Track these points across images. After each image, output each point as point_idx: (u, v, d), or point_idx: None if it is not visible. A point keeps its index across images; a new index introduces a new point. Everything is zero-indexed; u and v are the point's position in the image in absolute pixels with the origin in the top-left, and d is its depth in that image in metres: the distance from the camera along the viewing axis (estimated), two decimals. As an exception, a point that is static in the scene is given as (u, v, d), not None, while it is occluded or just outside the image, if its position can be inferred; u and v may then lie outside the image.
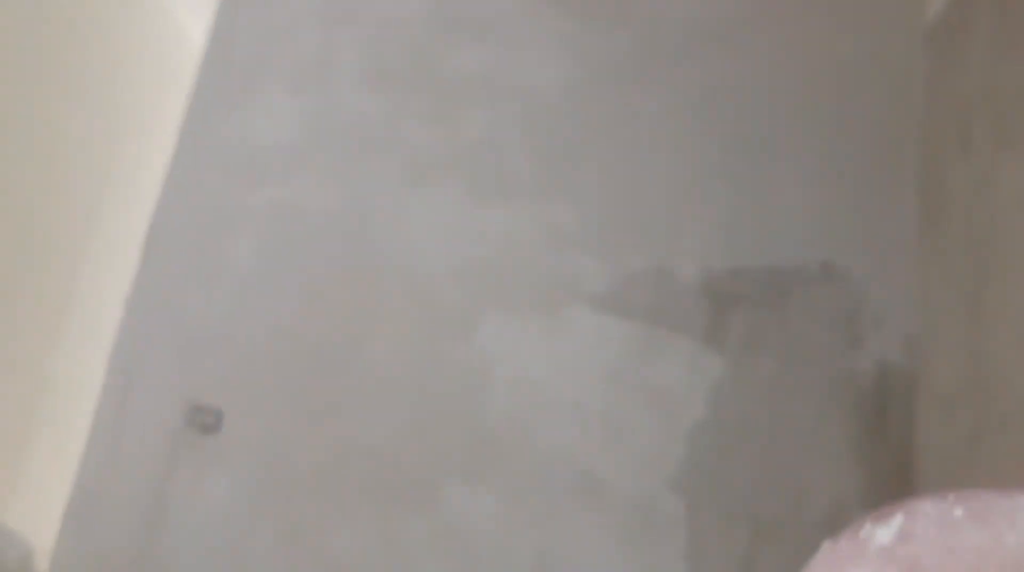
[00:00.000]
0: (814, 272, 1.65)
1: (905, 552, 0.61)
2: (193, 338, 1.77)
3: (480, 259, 1.76)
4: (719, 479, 1.54)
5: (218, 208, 1.87)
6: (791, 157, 1.73)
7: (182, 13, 3.42)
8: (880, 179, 1.71)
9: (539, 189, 1.79)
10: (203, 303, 1.79)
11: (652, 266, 1.68)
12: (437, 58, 1.94)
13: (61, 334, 3.09)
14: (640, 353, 1.62)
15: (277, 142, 1.92)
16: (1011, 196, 1.38)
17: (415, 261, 1.77)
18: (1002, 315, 1.34)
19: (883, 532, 0.63)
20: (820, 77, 1.78)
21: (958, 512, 0.62)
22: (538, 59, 1.89)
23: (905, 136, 1.73)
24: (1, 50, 2.73)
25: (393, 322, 1.74)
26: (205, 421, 1.70)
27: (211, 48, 2.03)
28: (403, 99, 1.92)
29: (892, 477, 1.54)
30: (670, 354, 1.61)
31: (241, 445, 1.69)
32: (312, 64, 1.98)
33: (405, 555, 1.58)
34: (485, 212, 1.79)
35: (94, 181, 3.18)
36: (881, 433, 1.57)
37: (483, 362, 1.67)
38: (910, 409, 1.58)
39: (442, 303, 1.73)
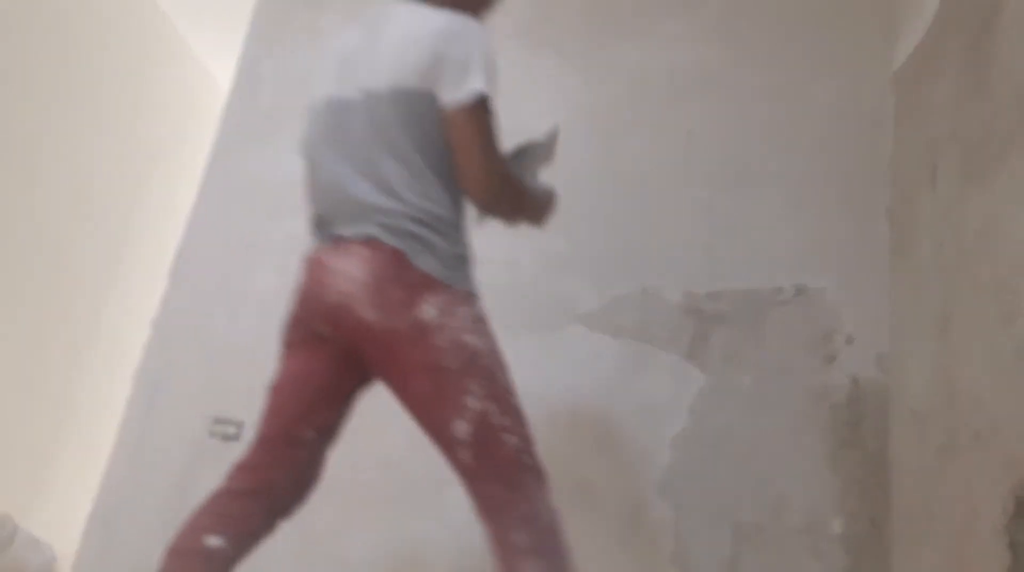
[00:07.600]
0: (790, 294, 1.75)
1: None
2: (216, 354, 1.87)
3: (482, 283, 1.85)
4: (703, 486, 1.63)
5: (241, 238, 1.99)
6: (769, 191, 1.83)
7: (208, 59, 3.60)
8: (853, 209, 1.80)
9: (537, 220, 1.89)
10: (227, 323, 1.90)
11: (640, 289, 1.79)
12: (444, 102, 2.06)
13: (89, 351, 3.19)
14: (629, 369, 1.72)
15: (296, 179, 2.03)
16: (977, 225, 1.43)
17: (422, 286, 1.87)
18: (970, 336, 1.39)
19: None
20: (796, 117, 1.89)
21: None
22: (537, 105, 2.01)
23: (876, 170, 1.82)
24: (38, 93, 2.89)
25: (401, 341, 1.83)
26: (227, 431, 1.78)
27: (236, 92, 2.17)
28: (412, 140, 2.03)
29: (866, 487, 1.61)
30: (657, 369, 1.71)
31: (260, 454, 1.78)
32: (328, 107, 2.10)
33: (413, 555, 1.66)
34: (487, 241, 1.89)
35: (123, 212, 3.32)
36: (855, 445, 1.64)
37: (484, 377, 1.76)
38: (883, 423, 1.64)
39: (447, 324, 1.83)
